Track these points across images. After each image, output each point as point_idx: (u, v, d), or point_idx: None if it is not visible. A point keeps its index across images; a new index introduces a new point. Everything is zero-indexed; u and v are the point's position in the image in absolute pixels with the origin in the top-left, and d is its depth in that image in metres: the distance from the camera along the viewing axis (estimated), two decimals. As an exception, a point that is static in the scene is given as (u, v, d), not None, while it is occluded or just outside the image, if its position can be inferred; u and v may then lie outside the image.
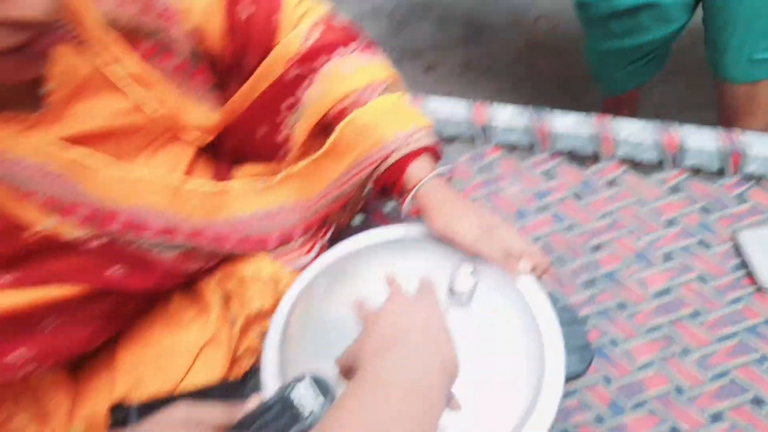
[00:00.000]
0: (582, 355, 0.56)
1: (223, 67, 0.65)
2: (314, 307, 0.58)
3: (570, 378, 0.54)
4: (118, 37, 0.53)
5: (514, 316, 0.55)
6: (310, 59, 0.64)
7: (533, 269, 0.57)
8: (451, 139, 0.88)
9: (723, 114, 1.14)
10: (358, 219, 0.81)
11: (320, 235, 0.73)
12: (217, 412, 0.50)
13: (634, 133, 0.81)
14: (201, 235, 0.60)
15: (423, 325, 0.46)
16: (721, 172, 0.80)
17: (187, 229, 0.58)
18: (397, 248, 0.62)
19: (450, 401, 0.48)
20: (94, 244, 0.51)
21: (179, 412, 0.49)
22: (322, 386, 0.48)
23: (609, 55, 1.20)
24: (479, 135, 0.86)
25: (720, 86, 1.11)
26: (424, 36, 1.85)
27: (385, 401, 0.39)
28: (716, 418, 0.63)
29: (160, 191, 0.57)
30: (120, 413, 0.56)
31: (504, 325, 0.54)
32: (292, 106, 0.67)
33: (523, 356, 0.52)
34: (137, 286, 0.56)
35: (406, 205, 0.62)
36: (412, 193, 0.61)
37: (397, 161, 0.62)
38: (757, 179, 0.79)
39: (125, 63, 0.54)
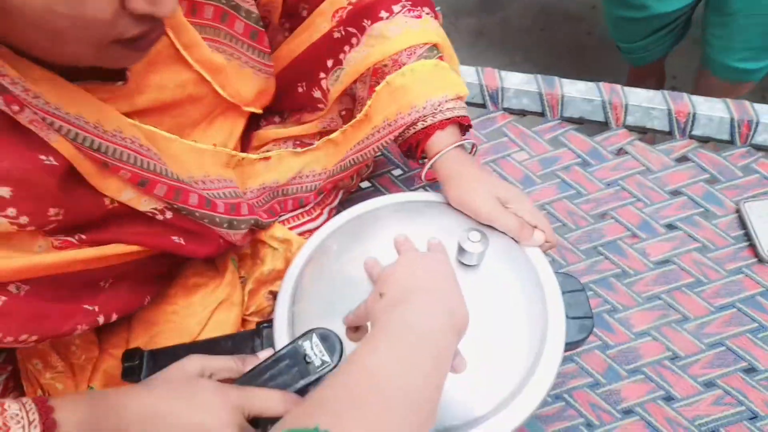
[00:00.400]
0: (582, 324, 0.57)
1: (278, 20, 0.65)
2: (325, 267, 0.60)
3: (569, 346, 0.56)
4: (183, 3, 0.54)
5: (518, 283, 0.56)
6: (359, 16, 0.63)
7: (543, 243, 0.59)
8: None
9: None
10: (365, 184, 0.82)
11: (329, 200, 0.74)
12: (230, 363, 0.52)
13: (644, 100, 0.80)
14: (240, 205, 0.62)
15: (434, 281, 0.47)
16: (729, 143, 0.79)
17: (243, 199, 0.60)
18: (407, 212, 0.63)
19: (456, 359, 0.49)
20: (167, 215, 0.53)
21: (192, 363, 0.51)
22: (330, 342, 0.51)
23: (628, 24, 1.18)
24: (488, 100, 0.85)
25: (704, 71, 1.18)
26: (437, 2, 1.81)
27: (396, 352, 0.40)
28: (709, 385, 0.65)
29: (225, 162, 0.59)
30: (132, 359, 0.59)
31: (508, 290, 0.55)
32: (335, 65, 0.67)
33: (525, 322, 0.54)
34: (195, 252, 0.58)
35: (425, 171, 0.63)
36: (432, 161, 0.62)
37: (423, 128, 0.62)
38: (766, 150, 0.79)
39: (194, 49, 0.55)
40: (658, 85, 1.38)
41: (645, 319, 0.69)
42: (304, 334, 0.51)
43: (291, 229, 0.71)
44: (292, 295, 0.58)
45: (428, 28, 0.65)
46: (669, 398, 0.65)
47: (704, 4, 1.10)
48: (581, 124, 0.83)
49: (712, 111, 0.79)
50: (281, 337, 0.55)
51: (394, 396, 0.37)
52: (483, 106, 0.86)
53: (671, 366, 0.66)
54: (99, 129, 0.47)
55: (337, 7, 0.64)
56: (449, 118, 0.62)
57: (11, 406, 0.44)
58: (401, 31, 0.63)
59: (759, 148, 0.79)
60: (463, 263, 0.55)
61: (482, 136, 0.85)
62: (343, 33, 0.64)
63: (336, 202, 0.75)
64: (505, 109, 0.86)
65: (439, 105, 0.61)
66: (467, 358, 0.50)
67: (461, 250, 0.54)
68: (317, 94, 0.70)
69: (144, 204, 0.52)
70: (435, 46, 0.64)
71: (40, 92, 0.43)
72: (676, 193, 0.77)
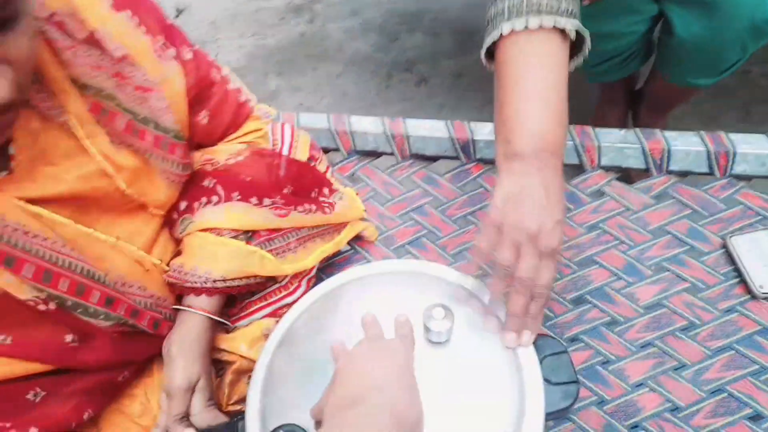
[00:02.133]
0: (567, 390, 0.53)
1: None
2: (297, 351, 0.58)
3: (554, 414, 0.53)
4: (91, 107, 0.54)
5: (489, 354, 0.53)
6: (223, 180, 0.66)
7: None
8: (434, 158, 0.87)
9: (650, 98, 1.26)
10: (345, 247, 0.80)
11: (305, 274, 0.72)
12: None
13: (617, 140, 0.79)
14: (141, 314, 0.60)
15: (386, 380, 0.45)
16: (709, 174, 0.78)
17: (127, 302, 0.58)
18: (376, 285, 0.62)
19: None
20: (44, 308, 0.51)
21: None
22: None
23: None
24: (461, 152, 0.84)
25: (656, 72, 1.20)
26: (415, 47, 1.84)
27: None
28: (714, 436, 0.61)
29: (126, 258, 0.58)
30: None
31: (480, 362, 0.53)
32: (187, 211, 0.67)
33: (500, 395, 0.51)
34: (91, 359, 0.56)
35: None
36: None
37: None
38: (747, 179, 0.77)
39: (97, 140, 0.55)
40: (628, 100, 1.36)
41: (640, 369, 0.66)
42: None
43: (268, 305, 0.69)
44: (263, 385, 0.56)
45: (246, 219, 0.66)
46: (673, 454, 0.61)
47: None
48: (556, 168, 0.82)
49: (687, 145, 0.77)
50: None
51: None
52: (456, 158, 0.85)
53: (672, 419, 0.63)
54: None
55: (204, 159, 0.68)
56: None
57: None
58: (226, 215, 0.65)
59: (740, 177, 0.77)
60: (431, 341, 0.53)
61: (457, 189, 0.84)
62: (208, 186, 0.66)
63: (313, 272, 0.73)
64: (478, 160, 0.85)
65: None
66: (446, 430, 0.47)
67: (426, 329, 0.52)
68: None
69: (25, 291, 0.49)
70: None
71: None
72: (659, 232, 0.75)
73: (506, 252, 0.53)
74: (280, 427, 0.49)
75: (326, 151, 0.88)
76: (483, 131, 0.84)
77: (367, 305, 0.57)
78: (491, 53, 0.65)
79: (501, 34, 0.61)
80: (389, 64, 1.81)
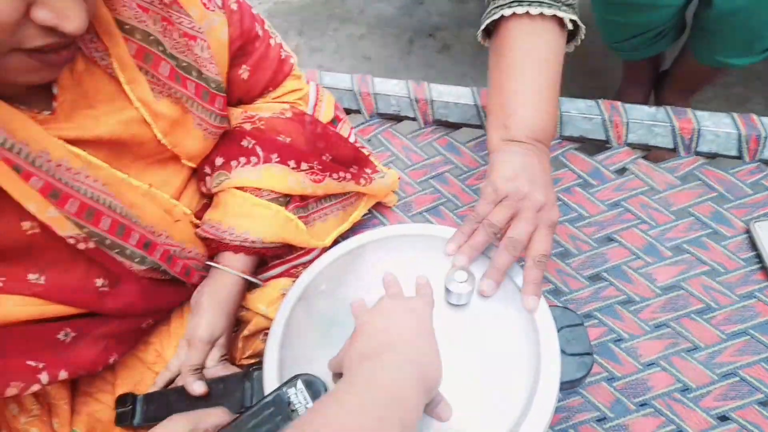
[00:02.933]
0: (582, 361, 0.54)
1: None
2: (314, 308, 0.58)
3: (568, 384, 0.53)
4: (135, 52, 0.53)
5: (509, 319, 0.53)
6: (262, 141, 0.65)
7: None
8: (457, 126, 0.86)
9: (676, 79, 1.25)
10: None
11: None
12: (215, 416, 0.51)
13: (646, 117, 0.78)
14: (175, 261, 0.60)
15: (408, 337, 0.45)
16: (738, 158, 0.76)
17: (163, 247, 0.58)
18: (398, 247, 0.61)
19: (440, 406, 0.47)
20: (83, 246, 0.51)
21: (178, 424, 0.49)
22: (315, 388, 0.49)
23: (614, 27, 1.15)
24: (485, 120, 0.83)
25: (687, 52, 1.18)
26: (440, 13, 1.80)
27: (361, 407, 0.39)
28: (723, 419, 0.61)
29: (157, 207, 0.58)
30: (125, 404, 0.58)
31: (499, 328, 0.53)
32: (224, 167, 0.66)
33: (517, 361, 0.51)
34: (119, 305, 0.56)
35: None
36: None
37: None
38: (773, 164, 0.75)
39: (138, 87, 0.54)
40: (652, 80, 1.33)
41: (653, 349, 0.66)
42: (288, 381, 0.50)
43: (284, 263, 0.69)
44: (281, 338, 0.56)
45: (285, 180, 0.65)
46: (680, 433, 0.61)
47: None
48: (582, 143, 0.81)
49: (717, 126, 0.76)
50: (270, 382, 0.53)
51: None
52: (480, 126, 0.84)
53: (682, 398, 0.63)
54: (23, 144, 0.45)
55: (244, 116, 0.66)
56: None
57: None
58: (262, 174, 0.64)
59: (766, 162, 0.75)
60: (451, 303, 0.53)
61: (479, 158, 0.82)
62: (247, 147, 0.65)
63: None
64: (502, 131, 0.83)
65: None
66: (458, 399, 0.47)
67: (448, 291, 0.52)
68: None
69: (66, 228, 0.49)
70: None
71: None
72: (682, 213, 0.74)
73: (501, 214, 0.57)
74: (297, 376, 0.49)
75: (348, 112, 0.87)
76: (509, 101, 0.82)
77: (385, 266, 0.57)
78: (488, 32, 0.70)
79: (503, 15, 0.64)
80: (412, 28, 1.77)
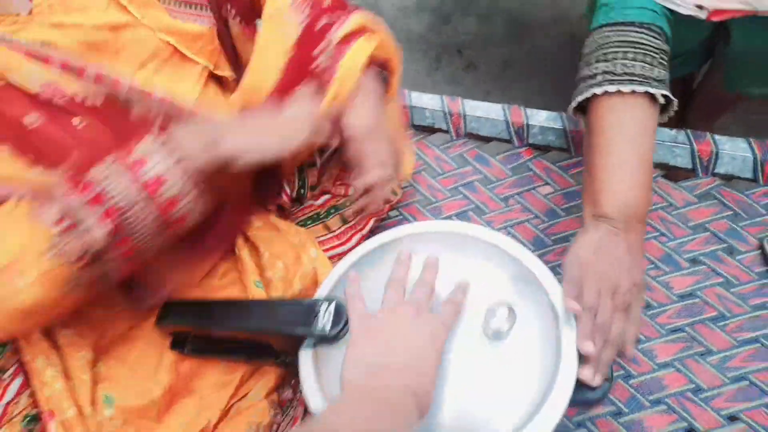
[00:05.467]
0: (600, 386, 0.57)
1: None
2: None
3: (583, 402, 0.55)
4: None
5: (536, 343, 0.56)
6: (341, 8, 0.67)
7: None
8: (487, 139, 0.91)
9: (700, 104, 1.28)
10: (393, 212, 0.86)
11: (360, 227, 0.78)
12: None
13: (667, 138, 0.83)
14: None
15: (409, 360, 0.51)
16: (753, 181, 0.81)
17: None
18: (426, 242, 0.65)
19: None
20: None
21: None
22: (340, 315, 0.58)
23: None
24: (514, 136, 0.89)
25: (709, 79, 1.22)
26: (466, 31, 1.87)
27: (361, 421, 0.44)
28: (733, 419, 0.66)
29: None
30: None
31: (525, 350, 0.55)
32: (324, 50, 0.66)
33: (533, 377, 0.54)
34: None
35: None
36: None
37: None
38: (789, 187, 0.80)
39: None
40: (682, 101, 1.38)
41: (668, 351, 0.71)
42: (327, 298, 0.59)
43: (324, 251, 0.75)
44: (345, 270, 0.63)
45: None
46: (692, 431, 0.66)
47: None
48: (605, 159, 0.86)
49: (735, 150, 0.81)
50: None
51: None
52: (509, 141, 0.90)
53: (694, 398, 0.67)
54: None
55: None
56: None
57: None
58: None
59: (781, 185, 0.81)
60: (486, 335, 0.55)
61: (508, 170, 0.88)
62: (325, 24, 0.66)
63: (366, 230, 0.79)
64: (530, 145, 0.89)
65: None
66: (474, 392, 0.53)
67: (487, 324, 0.55)
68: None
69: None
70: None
71: None
72: (699, 228, 0.79)
73: (590, 295, 0.56)
74: (334, 299, 0.59)
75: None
76: (538, 117, 0.88)
77: (422, 259, 0.61)
78: (582, 109, 0.71)
79: (595, 94, 0.66)
80: (439, 46, 1.84)
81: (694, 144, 0.82)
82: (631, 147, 0.63)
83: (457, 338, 0.55)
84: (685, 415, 0.67)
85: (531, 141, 0.89)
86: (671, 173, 0.85)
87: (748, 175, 0.81)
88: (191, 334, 0.66)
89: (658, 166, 0.84)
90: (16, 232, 0.52)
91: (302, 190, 0.79)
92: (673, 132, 0.84)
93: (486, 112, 0.91)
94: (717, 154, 0.81)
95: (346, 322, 0.57)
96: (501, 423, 0.51)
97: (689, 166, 0.83)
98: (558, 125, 0.87)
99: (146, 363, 0.66)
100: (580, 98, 0.69)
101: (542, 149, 0.89)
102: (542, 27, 1.83)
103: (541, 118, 0.88)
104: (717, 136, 0.83)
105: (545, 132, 0.88)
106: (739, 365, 0.69)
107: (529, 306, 0.56)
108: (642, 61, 0.66)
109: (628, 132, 0.64)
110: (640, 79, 0.65)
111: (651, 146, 0.65)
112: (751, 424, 0.65)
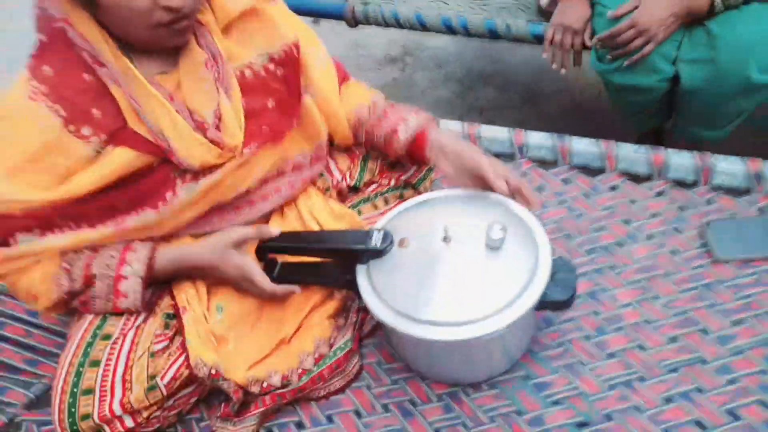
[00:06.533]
0: (565, 287, 0.80)
1: None
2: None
3: (557, 305, 0.81)
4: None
5: (524, 250, 0.83)
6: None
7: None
8: (496, 155, 1.20)
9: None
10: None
11: (394, 205, 1.05)
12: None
13: (631, 152, 1.11)
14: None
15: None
16: (695, 184, 1.08)
17: None
18: (454, 200, 0.92)
19: None
20: None
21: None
22: (386, 238, 0.84)
23: (620, 105, 1.49)
24: (517, 151, 1.18)
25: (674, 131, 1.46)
26: (486, 98, 2.22)
27: None
28: (673, 340, 0.89)
29: None
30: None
31: (514, 255, 0.82)
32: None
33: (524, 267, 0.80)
34: None
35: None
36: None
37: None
38: (724, 189, 1.06)
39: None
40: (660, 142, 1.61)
41: (627, 296, 0.95)
42: (376, 228, 0.86)
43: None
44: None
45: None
46: (642, 347, 0.89)
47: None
48: (585, 168, 1.14)
49: (681, 160, 1.08)
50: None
51: None
52: (512, 156, 1.19)
53: (645, 326, 0.91)
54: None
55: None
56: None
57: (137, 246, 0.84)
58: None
59: (718, 188, 1.07)
60: (490, 246, 0.82)
61: (512, 175, 1.16)
62: None
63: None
64: (529, 158, 1.18)
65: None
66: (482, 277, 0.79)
67: (488, 239, 0.80)
68: None
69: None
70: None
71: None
72: (654, 215, 1.05)
73: None
74: (383, 228, 0.86)
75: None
76: (534, 137, 1.17)
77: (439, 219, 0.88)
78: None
79: None
80: (463, 108, 2.18)
81: (651, 156, 1.10)
82: None
83: (467, 248, 0.81)
84: (636, 335, 0.90)
85: (529, 155, 1.18)
86: (634, 177, 1.12)
87: (692, 178, 1.08)
88: (280, 264, 0.93)
89: (624, 173, 1.12)
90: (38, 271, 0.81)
91: (358, 182, 1.07)
92: (636, 147, 1.12)
93: (494, 133, 1.20)
94: (667, 162, 1.09)
95: (392, 242, 0.83)
96: (495, 301, 0.77)
97: (647, 172, 1.10)
98: (548, 143, 1.16)
99: None
100: None
101: (537, 161, 1.17)
102: (550, 96, 2.16)
103: (536, 137, 1.17)
104: (669, 150, 1.10)
105: (539, 149, 1.16)
106: (681, 305, 0.92)
107: (516, 230, 0.83)
108: None
109: None
110: None
111: None
112: (687, 344, 0.88)
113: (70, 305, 0.84)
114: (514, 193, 0.89)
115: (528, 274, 0.79)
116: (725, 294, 0.92)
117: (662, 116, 1.46)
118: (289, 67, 0.91)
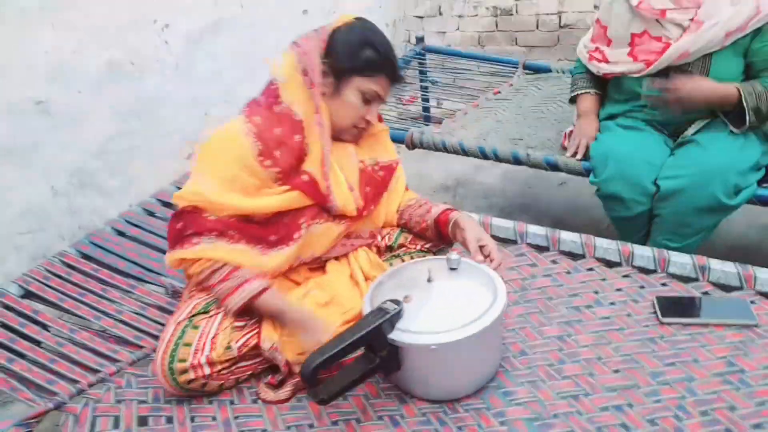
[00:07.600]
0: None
1: None
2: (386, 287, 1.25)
3: None
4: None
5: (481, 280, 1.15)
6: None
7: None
8: (503, 240, 1.55)
9: None
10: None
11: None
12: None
13: (605, 244, 1.43)
14: None
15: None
16: (654, 271, 1.37)
17: None
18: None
19: None
20: None
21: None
22: (396, 302, 1.12)
23: (611, 217, 1.82)
24: (518, 238, 1.53)
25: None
26: (522, 221, 2.59)
27: None
28: (616, 371, 1.14)
29: None
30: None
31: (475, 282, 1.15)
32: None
33: (484, 293, 1.12)
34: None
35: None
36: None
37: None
38: (677, 277, 1.35)
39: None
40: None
41: (587, 340, 1.22)
42: (384, 301, 1.15)
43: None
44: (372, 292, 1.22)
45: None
46: (591, 374, 1.14)
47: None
48: (570, 254, 1.46)
49: (644, 252, 1.39)
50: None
51: None
52: (515, 242, 1.53)
53: (596, 361, 1.16)
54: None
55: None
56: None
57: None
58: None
59: (672, 275, 1.35)
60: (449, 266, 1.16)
61: (514, 257, 1.50)
62: None
63: None
64: (527, 244, 1.52)
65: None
66: (455, 305, 1.11)
67: (448, 261, 1.15)
68: None
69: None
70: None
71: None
72: (619, 290, 1.34)
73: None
74: (396, 300, 1.15)
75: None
76: (532, 228, 1.52)
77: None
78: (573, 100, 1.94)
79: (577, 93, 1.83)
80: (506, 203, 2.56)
81: (620, 248, 1.41)
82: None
83: (434, 271, 1.15)
84: (590, 367, 1.15)
85: (528, 240, 1.52)
86: (607, 263, 1.42)
87: (652, 266, 1.38)
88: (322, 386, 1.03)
89: (600, 259, 1.43)
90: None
91: (394, 243, 1.45)
92: (608, 241, 1.44)
93: (502, 224, 1.56)
94: (633, 253, 1.40)
95: (400, 302, 1.14)
96: (460, 317, 1.08)
97: (618, 260, 1.41)
98: (543, 233, 1.50)
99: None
100: (572, 94, 1.93)
101: (534, 246, 1.51)
102: (577, 228, 2.51)
103: (534, 228, 1.52)
104: (635, 245, 1.41)
105: (536, 238, 1.51)
106: (629, 351, 1.18)
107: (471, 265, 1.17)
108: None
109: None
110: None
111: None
112: (627, 375, 1.12)
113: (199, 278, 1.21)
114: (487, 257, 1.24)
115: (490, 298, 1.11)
116: (663, 344, 1.18)
117: (644, 233, 1.78)
118: (386, 172, 1.38)
